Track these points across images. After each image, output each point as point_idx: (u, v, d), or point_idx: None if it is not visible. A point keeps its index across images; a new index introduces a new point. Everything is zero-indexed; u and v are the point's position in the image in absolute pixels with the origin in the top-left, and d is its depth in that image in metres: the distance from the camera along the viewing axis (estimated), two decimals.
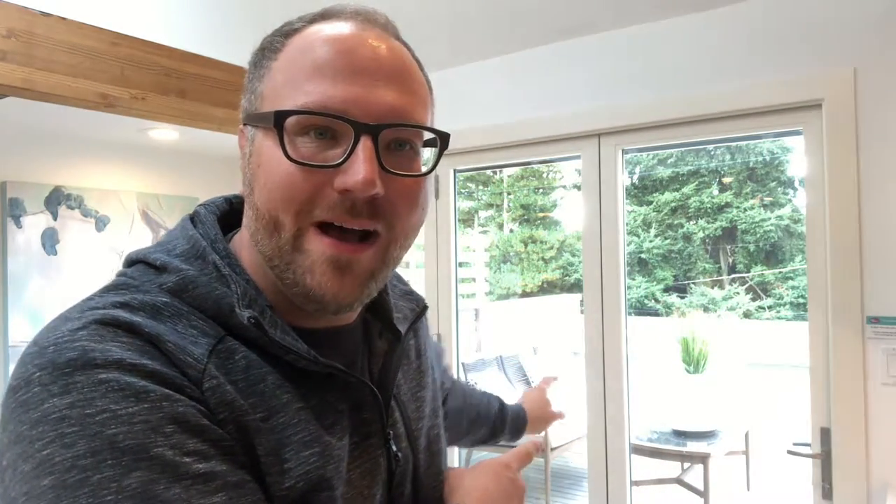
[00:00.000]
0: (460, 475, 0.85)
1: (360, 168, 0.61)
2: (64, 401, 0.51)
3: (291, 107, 0.64)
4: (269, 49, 0.77)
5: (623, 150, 2.57)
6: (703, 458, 4.12)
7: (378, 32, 0.73)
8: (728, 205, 13.38)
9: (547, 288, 13.81)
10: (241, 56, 3.12)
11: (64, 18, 2.27)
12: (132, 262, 0.76)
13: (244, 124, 0.77)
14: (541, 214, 15.09)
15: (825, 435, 2.12)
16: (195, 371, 0.58)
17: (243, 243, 0.73)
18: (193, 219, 0.76)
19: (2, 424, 0.53)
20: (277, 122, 0.64)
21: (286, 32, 0.75)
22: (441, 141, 0.72)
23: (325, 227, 0.64)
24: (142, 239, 3.33)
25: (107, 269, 3.17)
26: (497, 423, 1.26)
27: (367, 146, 0.63)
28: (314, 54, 0.67)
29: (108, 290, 0.70)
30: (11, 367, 2.73)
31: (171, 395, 0.55)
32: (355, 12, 0.72)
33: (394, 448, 0.74)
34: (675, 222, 13.70)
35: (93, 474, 0.49)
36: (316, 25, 0.71)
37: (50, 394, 0.52)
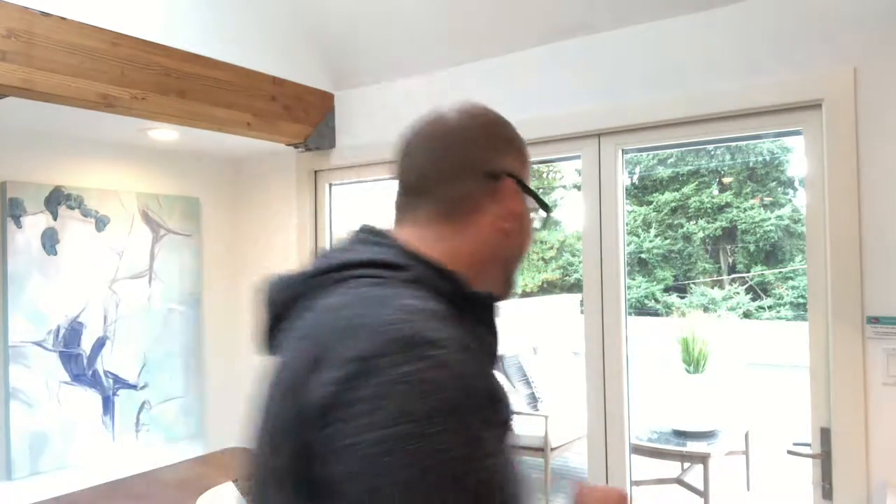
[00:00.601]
0: (590, 491, 0.98)
1: None
2: (412, 367, 0.63)
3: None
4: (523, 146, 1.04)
5: (623, 150, 2.57)
6: (703, 458, 4.12)
7: None
8: (728, 205, 13.37)
9: (547, 288, 13.80)
10: (241, 56, 3.14)
11: (64, 18, 2.27)
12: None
13: (522, 189, 0.95)
14: None
15: (825, 435, 2.12)
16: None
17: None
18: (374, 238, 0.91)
19: (364, 379, 0.63)
20: (545, 209, 0.97)
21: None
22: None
23: None
24: (142, 239, 3.34)
25: (107, 269, 3.18)
26: None
27: None
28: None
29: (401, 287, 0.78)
30: (11, 367, 2.73)
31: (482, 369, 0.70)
32: None
33: None
34: (675, 222, 13.70)
35: (453, 421, 0.63)
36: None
37: (402, 361, 0.64)
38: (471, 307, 0.82)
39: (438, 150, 0.95)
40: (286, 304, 0.86)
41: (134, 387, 3.29)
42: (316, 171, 3.50)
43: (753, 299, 12.79)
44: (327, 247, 1.07)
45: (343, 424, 0.63)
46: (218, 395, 3.73)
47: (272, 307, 0.89)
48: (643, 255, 13.83)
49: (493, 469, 0.65)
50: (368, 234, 0.89)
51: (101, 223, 3.17)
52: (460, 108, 1.03)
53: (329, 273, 0.82)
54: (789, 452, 2.21)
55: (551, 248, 14.28)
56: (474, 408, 0.65)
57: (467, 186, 0.91)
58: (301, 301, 0.83)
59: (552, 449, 4.43)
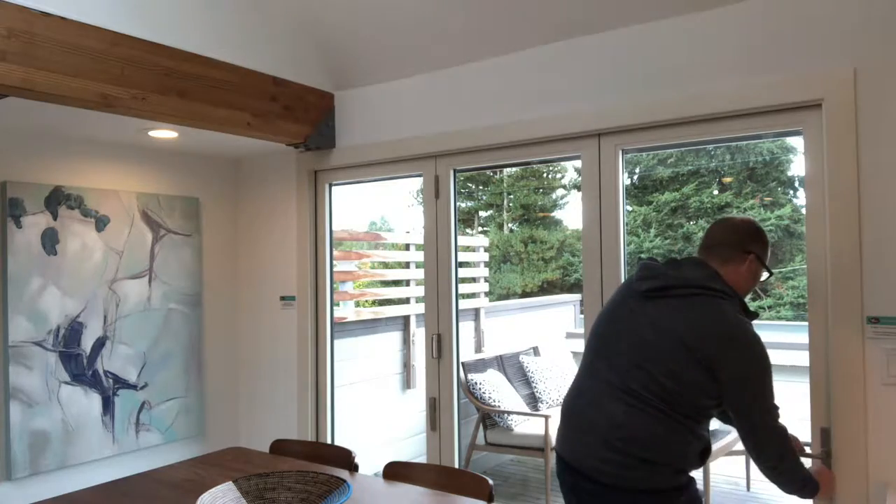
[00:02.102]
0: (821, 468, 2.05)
1: None
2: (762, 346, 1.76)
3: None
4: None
5: (623, 150, 2.57)
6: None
7: None
8: (728, 205, 13.36)
9: (547, 288, 13.80)
10: (241, 56, 3.13)
11: (64, 18, 2.27)
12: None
13: (758, 261, 1.95)
14: (541, 214, 15.08)
15: (825, 435, 2.12)
16: None
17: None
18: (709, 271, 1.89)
19: (749, 346, 1.75)
20: (769, 273, 1.97)
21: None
22: None
23: None
24: (142, 239, 3.34)
25: (107, 269, 3.18)
26: None
27: None
28: None
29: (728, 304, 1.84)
30: (11, 367, 2.73)
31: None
32: None
33: None
34: (675, 222, 13.70)
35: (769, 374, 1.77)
36: None
37: (758, 342, 1.76)
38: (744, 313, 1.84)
39: (728, 231, 1.94)
40: (659, 289, 1.83)
41: (134, 387, 3.29)
42: (316, 171, 3.50)
43: (753, 299, 12.79)
44: (675, 265, 1.91)
45: (734, 362, 1.73)
46: (218, 395, 3.73)
47: (651, 285, 1.85)
48: (643, 255, 13.82)
49: (772, 380, 1.78)
50: (702, 266, 1.89)
51: (101, 223, 3.17)
52: (743, 217, 1.99)
53: (686, 287, 1.81)
54: None
55: (551, 248, 14.28)
56: (768, 360, 1.77)
57: (735, 253, 1.90)
58: (664, 291, 1.83)
59: (552, 449, 4.43)
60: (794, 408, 2.69)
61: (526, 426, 4.69)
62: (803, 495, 1.87)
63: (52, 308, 2.96)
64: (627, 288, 1.94)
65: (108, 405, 3.18)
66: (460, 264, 3.89)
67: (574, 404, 1.90)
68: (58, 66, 2.24)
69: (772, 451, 1.77)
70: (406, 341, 5.11)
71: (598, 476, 1.77)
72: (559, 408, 2.26)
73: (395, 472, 2.34)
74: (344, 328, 4.56)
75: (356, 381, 4.59)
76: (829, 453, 2.10)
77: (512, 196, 15.44)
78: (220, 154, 3.68)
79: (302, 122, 3.18)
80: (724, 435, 4.45)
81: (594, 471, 1.78)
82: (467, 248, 6.44)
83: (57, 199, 3.00)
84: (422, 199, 3.17)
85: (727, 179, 13.66)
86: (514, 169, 14.34)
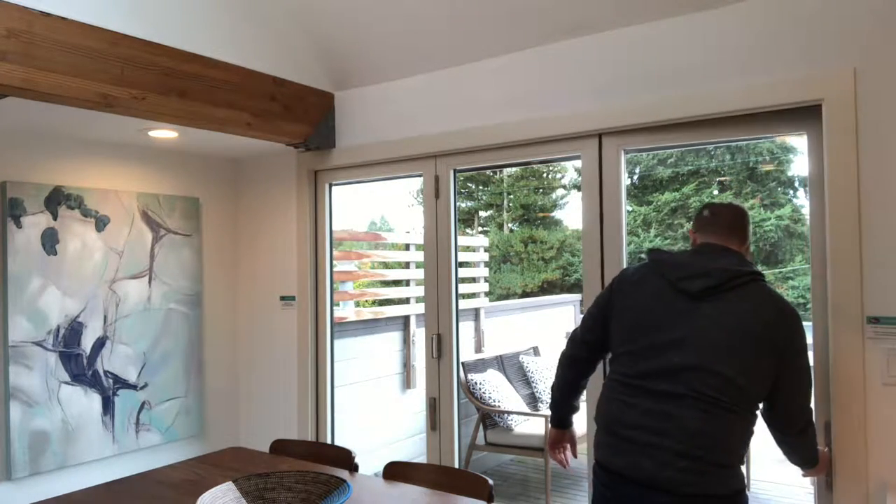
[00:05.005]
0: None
1: None
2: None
3: None
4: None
5: (624, 151, 2.57)
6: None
7: None
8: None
9: (547, 288, 13.80)
10: (241, 56, 3.12)
11: (64, 18, 2.27)
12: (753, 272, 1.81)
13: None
14: (541, 214, 15.08)
15: (827, 429, 2.13)
16: None
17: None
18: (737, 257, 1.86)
19: (799, 318, 1.78)
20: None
21: None
22: None
23: None
24: (142, 239, 3.34)
25: (107, 269, 3.18)
26: None
27: None
28: None
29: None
30: (11, 367, 2.73)
31: None
32: None
33: None
34: (675, 222, 13.70)
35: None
36: None
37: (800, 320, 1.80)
38: None
39: (738, 216, 1.93)
40: (714, 287, 1.77)
41: (134, 387, 3.29)
42: (316, 171, 3.50)
43: None
44: (707, 255, 1.85)
45: (796, 345, 1.76)
46: (218, 395, 3.73)
47: (702, 284, 1.78)
48: (643, 256, 13.81)
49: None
50: (732, 253, 1.87)
51: (101, 223, 3.17)
52: (735, 203, 2.01)
53: (736, 278, 1.77)
54: None
55: (551, 248, 14.28)
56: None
57: (745, 237, 1.94)
58: (718, 290, 1.78)
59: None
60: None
61: (526, 426, 4.69)
62: (810, 464, 1.92)
63: (52, 308, 2.97)
64: (666, 287, 1.83)
65: (108, 405, 3.18)
66: (460, 264, 3.89)
67: (627, 416, 1.80)
68: (58, 66, 2.24)
69: (806, 414, 1.80)
70: (406, 341, 5.11)
71: (677, 487, 1.70)
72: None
73: (395, 472, 2.34)
74: (344, 328, 4.56)
75: (356, 381, 4.59)
76: (831, 446, 2.10)
77: (512, 196, 15.44)
78: (220, 154, 3.68)
79: (302, 122, 3.18)
80: None
81: (671, 482, 1.71)
82: (467, 248, 6.44)
83: (57, 199, 3.00)
84: (422, 199, 3.17)
85: (727, 179, 13.65)
86: (514, 169, 14.34)
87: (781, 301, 1.77)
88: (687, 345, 1.74)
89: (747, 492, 1.80)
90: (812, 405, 1.83)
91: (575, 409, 2.19)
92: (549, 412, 2.28)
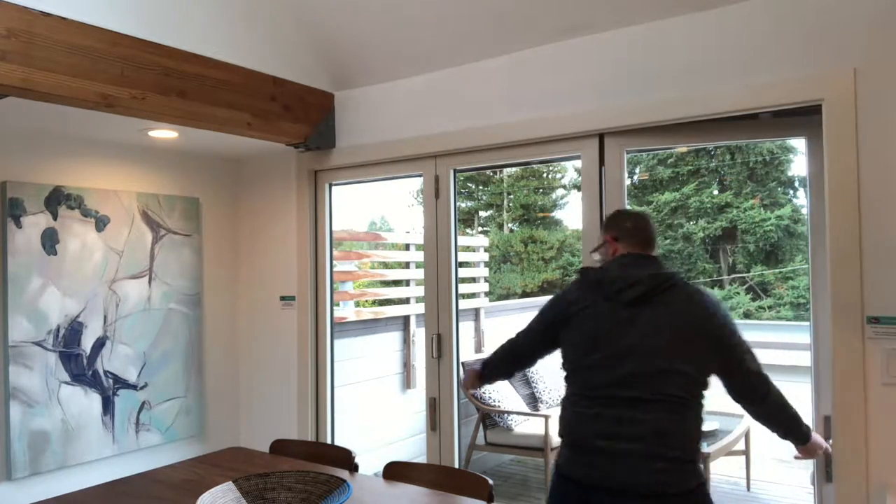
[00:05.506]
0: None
1: None
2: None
3: None
4: None
5: (626, 151, 2.57)
6: (703, 458, 4.12)
7: None
8: (728, 205, 13.36)
9: (547, 288, 13.79)
10: (241, 56, 3.12)
11: (64, 18, 2.27)
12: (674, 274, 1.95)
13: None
14: (541, 214, 15.08)
15: (827, 422, 2.13)
16: None
17: None
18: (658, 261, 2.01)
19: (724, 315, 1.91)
20: None
21: None
22: None
23: None
24: (142, 239, 3.34)
25: (107, 269, 3.18)
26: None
27: None
28: None
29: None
30: (11, 368, 2.72)
31: None
32: None
33: None
34: (675, 222, 13.69)
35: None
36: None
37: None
38: None
39: (651, 226, 2.05)
40: (647, 293, 1.89)
41: (134, 387, 3.29)
42: (316, 171, 3.50)
43: (753, 299, 12.79)
44: (636, 265, 1.95)
45: (729, 326, 1.89)
46: (218, 395, 3.73)
47: (638, 291, 1.89)
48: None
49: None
50: (653, 259, 1.99)
51: (101, 223, 3.17)
52: (642, 210, 2.24)
53: (664, 282, 1.90)
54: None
55: (551, 248, 14.27)
56: None
57: (656, 243, 2.06)
58: (652, 294, 1.89)
59: (552, 449, 4.43)
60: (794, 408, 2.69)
61: (526, 426, 4.69)
62: (797, 433, 1.96)
63: (52, 308, 2.96)
64: (605, 301, 1.94)
65: (108, 405, 3.18)
66: (460, 264, 3.89)
67: (594, 427, 1.87)
68: (58, 66, 2.24)
69: (763, 377, 1.91)
70: (406, 341, 5.11)
71: (657, 489, 1.78)
72: (558, 408, 2.26)
73: (395, 472, 2.34)
74: (344, 328, 4.56)
75: (356, 381, 4.59)
76: (830, 437, 2.10)
77: (512, 196, 15.44)
78: (220, 154, 3.68)
79: (302, 122, 3.18)
80: (725, 435, 4.45)
81: (650, 486, 1.79)
82: (467, 248, 6.44)
83: (57, 199, 3.00)
84: (422, 199, 3.17)
85: (727, 179, 13.65)
86: (514, 169, 14.34)
87: (704, 292, 1.94)
88: (639, 350, 1.85)
89: (747, 491, 1.84)
90: (765, 374, 1.91)
91: (501, 373, 2.34)
92: (547, 412, 2.33)
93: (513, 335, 2.24)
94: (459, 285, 3.14)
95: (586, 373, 1.93)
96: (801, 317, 11.44)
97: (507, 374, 2.34)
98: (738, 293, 12.98)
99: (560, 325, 2.04)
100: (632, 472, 1.80)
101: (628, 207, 2.47)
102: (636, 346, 1.86)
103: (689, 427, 1.84)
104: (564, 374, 2.02)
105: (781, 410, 1.94)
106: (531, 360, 2.23)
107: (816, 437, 1.99)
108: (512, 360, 2.26)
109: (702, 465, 1.86)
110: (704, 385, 1.88)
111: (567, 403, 1.98)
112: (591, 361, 1.91)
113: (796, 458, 2.05)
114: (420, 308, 4.44)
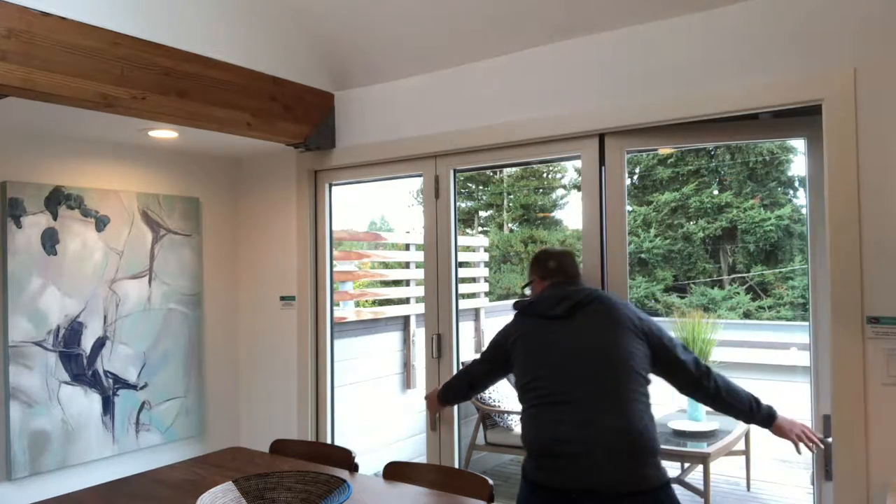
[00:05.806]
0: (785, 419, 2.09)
1: None
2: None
3: None
4: None
5: (626, 151, 2.57)
6: (703, 458, 4.12)
7: None
8: (728, 205, 13.36)
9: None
10: (241, 56, 3.12)
11: (64, 18, 2.27)
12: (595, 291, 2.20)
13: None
14: (541, 214, 15.07)
15: (826, 421, 2.13)
16: None
17: None
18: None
19: (639, 311, 2.13)
20: None
21: None
22: None
23: None
24: (142, 239, 3.34)
25: (107, 269, 3.18)
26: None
27: None
28: None
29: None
30: (11, 367, 2.73)
31: None
32: None
33: None
34: (675, 222, 13.69)
35: None
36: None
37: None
38: None
39: (575, 262, 2.30)
40: (574, 307, 2.10)
41: (134, 387, 3.29)
42: (316, 171, 3.50)
43: (753, 299, 12.78)
44: (563, 287, 2.21)
45: (654, 324, 2.09)
46: (218, 395, 3.73)
47: (566, 305, 2.10)
48: (643, 255, 13.82)
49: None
50: (576, 283, 2.26)
51: (101, 223, 3.17)
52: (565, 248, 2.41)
53: (588, 295, 2.13)
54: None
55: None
56: None
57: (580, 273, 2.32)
58: (580, 306, 2.10)
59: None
60: (794, 408, 2.69)
61: None
62: (759, 415, 2.06)
63: (52, 308, 2.96)
64: (541, 321, 2.14)
65: (108, 405, 3.18)
66: (460, 264, 3.89)
67: (557, 432, 1.95)
68: (58, 66, 2.24)
69: (700, 360, 2.07)
70: (406, 341, 5.11)
71: (646, 484, 1.86)
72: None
73: (395, 472, 2.34)
74: (344, 328, 4.56)
75: (356, 381, 4.59)
76: (830, 435, 2.11)
77: (512, 196, 15.43)
78: (220, 154, 3.68)
79: (302, 122, 3.18)
80: (725, 435, 4.45)
81: (639, 483, 1.86)
82: (467, 248, 6.44)
83: (57, 199, 3.00)
84: (422, 199, 3.17)
85: (727, 179, 13.65)
86: (514, 169, 14.34)
87: (620, 299, 2.20)
88: (581, 352, 2.02)
89: (747, 491, 1.86)
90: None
91: (458, 397, 2.59)
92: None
93: (468, 363, 2.49)
94: (459, 285, 3.14)
95: (539, 383, 2.05)
96: (801, 317, 11.44)
97: (463, 397, 2.58)
98: (738, 293, 12.98)
99: (509, 349, 2.21)
100: (621, 471, 1.86)
101: (552, 247, 2.89)
102: (578, 349, 2.03)
103: (651, 420, 1.95)
104: (518, 392, 2.14)
105: (731, 392, 2.05)
106: (483, 385, 2.48)
107: (786, 417, 2.08)
108: (467, 384, 2.49)
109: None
110: (647, 380, 2.02)
111: (525, 416, 2.08)
112: (541, 372, 2.06)
113: (773, 433, 2.10)
114: (420, 308, 4.44)
